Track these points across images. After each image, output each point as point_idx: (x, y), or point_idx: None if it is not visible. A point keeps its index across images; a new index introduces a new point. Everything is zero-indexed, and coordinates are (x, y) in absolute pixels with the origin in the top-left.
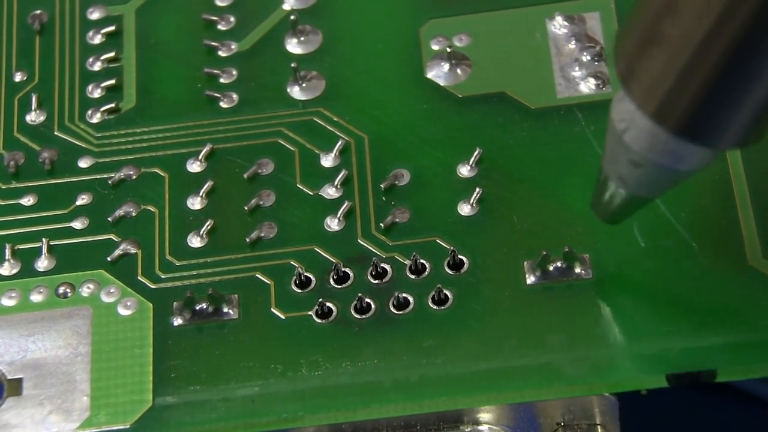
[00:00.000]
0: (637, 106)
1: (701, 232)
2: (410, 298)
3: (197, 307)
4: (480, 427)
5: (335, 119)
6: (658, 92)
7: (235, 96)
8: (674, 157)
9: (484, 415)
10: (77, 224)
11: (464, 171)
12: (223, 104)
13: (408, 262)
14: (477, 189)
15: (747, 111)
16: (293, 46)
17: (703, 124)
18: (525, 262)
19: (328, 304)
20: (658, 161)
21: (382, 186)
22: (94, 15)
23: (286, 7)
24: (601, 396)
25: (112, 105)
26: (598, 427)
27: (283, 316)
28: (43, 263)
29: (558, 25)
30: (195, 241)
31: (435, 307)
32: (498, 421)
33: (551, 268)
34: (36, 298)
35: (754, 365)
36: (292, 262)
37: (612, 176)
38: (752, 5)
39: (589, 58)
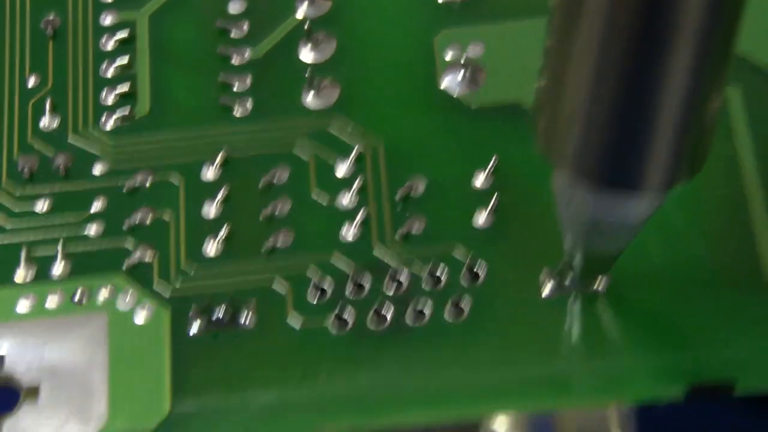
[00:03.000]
0: (559, 170)
1: (716, 247)
2: (427, 309)
3: (214, 315)
4: None
5: (350, 127)
6: (572, 152)
7: (249, 104)
8: (620, 209)
9: (500, 426)
10: (92, 230)
11: (479, 181)
12: (237, 112)
13: (424, 273)
14: (493, 199)
15: (661, 144)
16: (307, 54)
17: (620, 168)
18: (541, 274)
19: (344, 313)
20: (608, 218)
21: (397, 196)
22: (107, 20)
23: (299, 15)
24: (617, 407)
25: (126, 112)
26: None
27: (299, 325)
28: (58, 269)
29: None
30: (211, 249)
31: (451, 317)
32: (515, 429)
33: (567, 279)
34: (52, 304)
35: None
36: (308, 271)
37: (579, 246)
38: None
39: None
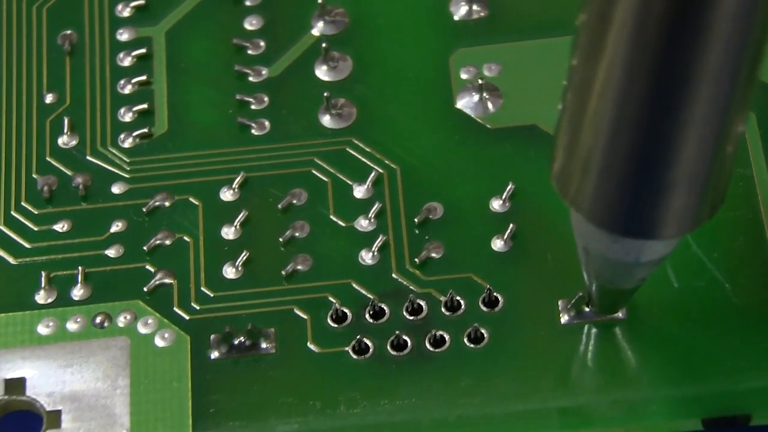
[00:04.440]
0: (580, 215)
1: (735, 273)
2: (446, 336)
3: (235, 341)
4: None
5: (367, 150)
6: (587, 198)
7: (266, 123)
8: (636, 252)
9: None
10: (112, 252)
11: (497, 205)
12: (254, 131)
13: (443, 299)
14: (510, 225)
15: (684, 194)
16: (323, 73)
17: (637, 219)
18: (560, 301)
19: (365, 340)
20: (624, 259)
21: (416, 220)
22: (124, 36)
23: (315, 32)
24: None
25: (144, 130)
26: None
27: (319, 351)
28: (79, 292)
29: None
30: (230, 272)
31: (471, 344)
32: None
33: (586, 308)
34: (73, 327)
35: None
36: (328, 296)
37: (597, 279)
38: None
39: None
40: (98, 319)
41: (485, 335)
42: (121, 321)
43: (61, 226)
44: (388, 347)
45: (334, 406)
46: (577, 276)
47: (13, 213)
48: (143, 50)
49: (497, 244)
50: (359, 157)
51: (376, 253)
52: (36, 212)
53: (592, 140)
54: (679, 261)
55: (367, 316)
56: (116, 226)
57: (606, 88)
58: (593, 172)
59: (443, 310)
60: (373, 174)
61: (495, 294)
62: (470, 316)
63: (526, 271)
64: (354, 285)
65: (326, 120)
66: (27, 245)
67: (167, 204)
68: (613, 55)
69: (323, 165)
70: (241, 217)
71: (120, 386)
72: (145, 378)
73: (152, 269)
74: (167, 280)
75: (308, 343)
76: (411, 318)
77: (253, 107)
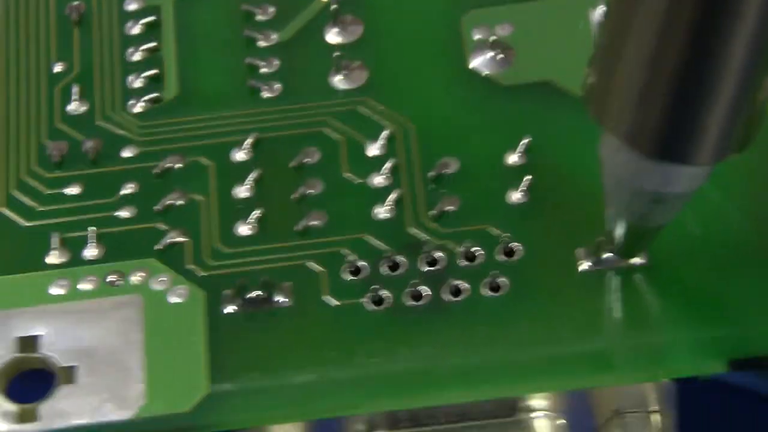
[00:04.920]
0: (609, 135)
1: (753, 219)
2: (463, 285)
3: (249, 295)
4: (535, 414)
5: (380, 108)
6: (625, 120)
7: (277, 86)
8: (666, 179)
9: (539, 402)
10: (124, 213)
11: (512, 159)
12: (265, 93)
13: (460, 249)
14: (526, 177)
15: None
16: (333, 36)
17: (673, 142)
18: (577, 249)
19: (381, 291)
20: (653, 188)
21: (430, 175)
22: (132, 6)
23: None
24: (657, 382)
25: (154, 95)
26: (655, 413)
27: (336, 303)
28: (91, 252)
29: (600, 15)
30: (244, 230)
31: (489, 293)
32: (553, 408)
33: (605, 254)
34: (85, 287)
35: None
36: (342, 250)
37: (624, 216)
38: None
39: None
40: (111, 278)
41: (503, 284)
42: (134, 279)
43: (72, 189)
44: (405, 297)
45: (351, 356)
46: (594, 225)
47: (24, 178)
48: (152, 18)
49: (513, 197)
50: (372, 116)
51: (390, 208)
52: (47, 176)
53: (634, 68)
54: (698, 210)
55: (383, 268)
56: (127, 188)
57: (651, 16)
58: (634, 98)
59: (460, 260)
60: (386, 132)
61: (512, 244)
62: (487, 266)
63: (543, 221)
64: (369, 239)
65: (338, 80)
66: (39, 207)
67: (178, 166)
68: None
69: (336, 124)
70: (253, 176)
71: (134, 341)
72: (159, 333)
73: (165, 228)
74: (180, 238)
75: (324, 296)
76: (428, 269)
77: (263, 70)
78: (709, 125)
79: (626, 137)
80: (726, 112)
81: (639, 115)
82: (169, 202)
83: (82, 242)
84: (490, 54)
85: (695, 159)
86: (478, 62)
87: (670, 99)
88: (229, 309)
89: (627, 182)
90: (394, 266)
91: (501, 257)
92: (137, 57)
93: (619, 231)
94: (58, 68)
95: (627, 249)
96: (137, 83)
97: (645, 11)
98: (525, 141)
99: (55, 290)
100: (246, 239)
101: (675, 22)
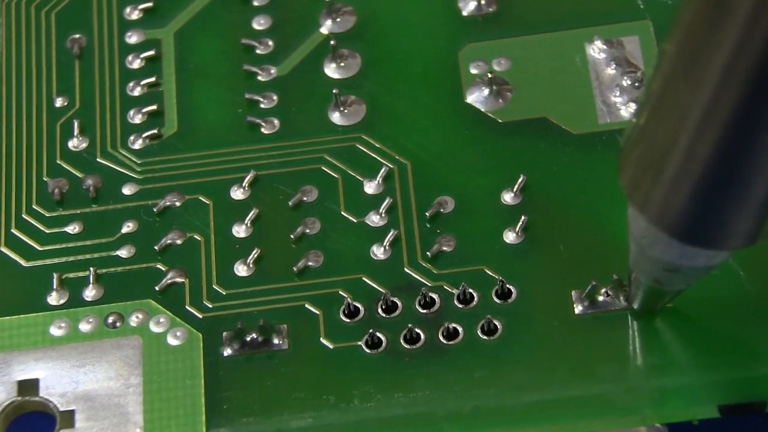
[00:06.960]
0: (648, 222)
1: (749, 261)
2: (459, 328)
3: (247, 338)
4: None
5: (377, 145)
6: (663, 206)
7: (276, 121)
8: (706, 258)
9: None
10: (123, 252)
11: (508, 198)
12: (264, 130)
13: (456, 292)
14: (522, 217)
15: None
16: (332, 71)
17: (703, 228)
18: (573, 291)
19: (377, 334)
20: (691, 264)
21: (427, 214)
22: (133, 39)
23: (324, 30)
24: (651, 426)
25: (154, 131)
26: None
27: (332, 346)
28: (91, 292)
29: (597, 50)
30: (242, 270)
31: (484, 336)
32: None
33: (600, 297)
34: (85, 327)
35: None
36: (340, 292)
37: (648, 280)
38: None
39: (629, 83)
40: (110, 319)
41: (499, 327)
42: (134, 320)
43: (72, 228)
44: (401, 341)
45: (348, 400)
46: (589, 266)
47: (24, 216)
48: (152, 52)
49: (509, 237)
50: (369, 153)
51: (387, 248)
52: (47, 215)
53: (673, 143)
54: None
55: (379, 310)
56: (127, 227)
57: (691, 113)
58: (666, 182)
59: (456, 302)
60: (383, 170)
61: (508, 286)
62: (483, 308)
63: (539, 262)
64: (366, 279)
65: (336, 117)
66: (38, 247)
67: (178, 204)
68: (704, 81)
69: (333, 162)
70: (252, 215)
71: (133, 385)
72: (158, 376)
73: (164, 268)
74: (179, 279)
75: (321, 338)
76: (424, 311)
77: (262, 106)
78: (743, 213)
79: (655, 216)
80: (755, 208)
81: (669, 195)
82: (168, 241)
83: (82, 282)
84: (487, 90)
85: (718, 245)
86: (475, 98)
87: (705, 183)
88: (227, 352)
89: (645, 248)
90: (391, 308)
91: (496, 299)
92: (137, 92)
93: (641, 292)
94: (59, 102)
95: (645, 308)
96: (137, 119)
97: (688, 106)
98: (521, 180)
99: (55, 331)
100: (244, 280)
101: (719, 105)
